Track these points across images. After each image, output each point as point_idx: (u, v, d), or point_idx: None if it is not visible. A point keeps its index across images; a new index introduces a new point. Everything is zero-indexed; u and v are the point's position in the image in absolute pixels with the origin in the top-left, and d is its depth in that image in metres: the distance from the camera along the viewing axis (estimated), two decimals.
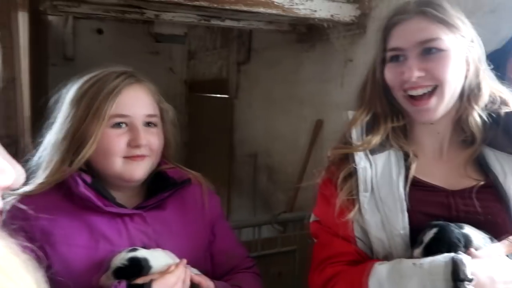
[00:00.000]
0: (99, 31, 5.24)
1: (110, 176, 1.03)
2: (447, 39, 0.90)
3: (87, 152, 0.99)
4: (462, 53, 0.92)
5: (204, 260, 1.13)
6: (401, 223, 0.88)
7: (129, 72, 1.06)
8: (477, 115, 0.93)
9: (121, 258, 0.93)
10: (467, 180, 0.93)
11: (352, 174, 0.96)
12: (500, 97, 0.95)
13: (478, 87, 0.94)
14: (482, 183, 0.91)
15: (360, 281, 0.83)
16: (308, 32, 2.79)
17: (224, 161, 4.34)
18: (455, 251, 0.79)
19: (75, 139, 1.00)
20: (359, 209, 0.92)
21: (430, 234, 0.83)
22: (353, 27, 2.38)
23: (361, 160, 0.94)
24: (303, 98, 2.99)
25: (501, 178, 0.90)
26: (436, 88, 0.91)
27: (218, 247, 1.17)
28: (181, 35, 3.37)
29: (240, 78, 4.10)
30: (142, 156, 1.03)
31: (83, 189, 0.96)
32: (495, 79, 0.98)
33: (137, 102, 1.04)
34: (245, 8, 2.12)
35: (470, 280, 0.74)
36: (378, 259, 0.90)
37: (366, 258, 0.92)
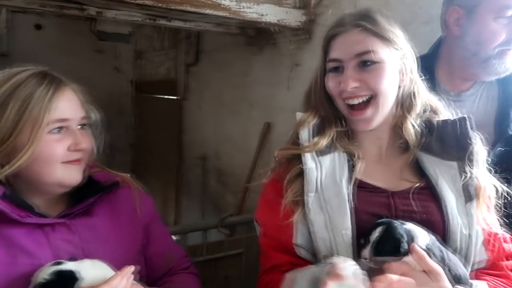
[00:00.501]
0: (38, 27, 4.94)
1: (46, 183, 0.97)
2: (381, 52, 0.95)
3: (21, 162, 0.91)
4: (396, 65, 0.97)
5: (139, 264, 1.06)
6: (344, 223, 0.91)
7: (49, 73, 0.99)
8: (410, 124, 0.99)
9: (44, 272, 0.86)
10: (405, 182, 0.98)
11: (299, 174, 0.98)
12: (431, 106, 1.03)
13: (412, 97, 1.00)
14: (418, 185, 0.97)
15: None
16: (256, 36, 2.81)
17: (172, 163, 4.26)
18: (400, 246, 0.83)
19: (2, 147, 0.92)
20: (304, 210, 0.94)
21: (376, 233, 0.87)
22: (299, 33, 2.43)
23: (308, 161, 0.97)
24: (252, 101, 3.01)
25: (434, 180, 0.96)
26: (371, 98, 0.96)
27: (153, 250, 1.14)
28: (126, 34, 3.26)
29: (189, 79, 4.05)
30: (79, 160, 0.99)
31: None
32: (426, 89, 1.04)
33: (72, 105, 0.99)
34: (191, 9, 2.09)
35: None
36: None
37: (301, 264, 0.94)
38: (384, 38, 0.95)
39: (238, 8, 2.19)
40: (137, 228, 1.11)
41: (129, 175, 1.16)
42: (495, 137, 1.26)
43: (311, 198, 0.94)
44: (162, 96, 4.82)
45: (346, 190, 0.94)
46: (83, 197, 1.03)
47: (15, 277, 0.89)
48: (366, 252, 0.87)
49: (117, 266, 0.97)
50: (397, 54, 0.97)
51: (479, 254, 0.93)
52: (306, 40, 2.43)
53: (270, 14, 2.29)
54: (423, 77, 1.04)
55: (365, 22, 0.95)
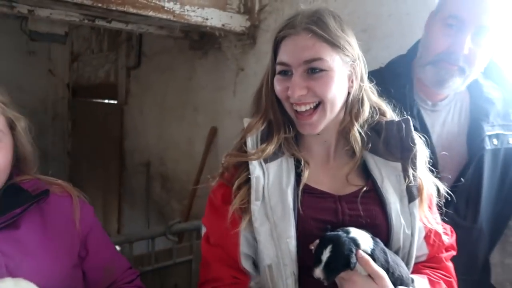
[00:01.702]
0: None
1: None
2: (330, 59, 0.94)
3: None
4: (344, 71, 0.96)
5: (74, 279, 1.02)
6: (289, 231, 0.91)
7: None
8: (356, 131, 1.00)
9: None
10: (352, 186, 1.00)
11: (247, 181, 0.96)
12: (379, 109, 1.04)
13: (360, 103, 1.01)
14: (365, 188, 0.98)
15: None
16: (200, 40, 2.79)
17: (114, 171, 4.09)
18: (350, 262, 0.85)
19: None
20: (250, 218, 0.93)
21: (326, 252, 0.87)
22: (244, 38, 2.45)
23: (255, 169, 0.95)
24: (197, 105, 2.98)
25: (379, 182, 0.99)
26: (318, 105, 0.96)
27: (93, 262, 1.06)
28: (61, 34, 3.07)
29: (130, 83, 3.91)
30: None
31: None
32: (375, 93, 1.06)
33: None
34: (133, 11, 2.03)
35: None
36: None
37: (242, 279, 0.94)
38: (334, 45, 0.93)
39: (182, 12, 2.16)
40: (73, 239, 1.03)
41: (68, 183, 1.09)
42: (467, 149, 1.29)
43: (257, 206, 0.93)
44: (101, 101, 4.62)
45: (291, 198, 0.94)
46: (8, 208, 0.94)
47: None
48: (319, 271, 0.87)
49: (48, 282, 0.91)
50: (347, 60, 0.96)
51: (420, 249, 0.98)
52: (251, 45, 2.46)
53: (214, 19, 2.28)
54: (374, 82, 1.06)
55: (316, 27, 0.93)
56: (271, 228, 0.92)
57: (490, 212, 1.33)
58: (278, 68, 0.98)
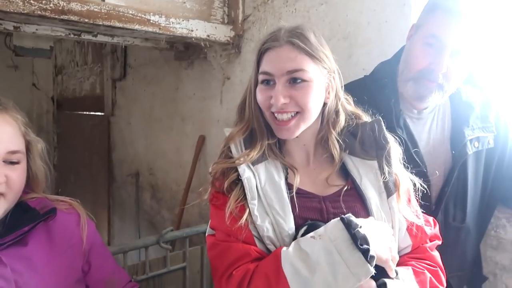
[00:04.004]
0: None
1: None
2: (311, 71, 1.00)
3: None
4: (323, 83, 1.03)
5: None
6: (289, 223, 0.97)
7: None
8: (334, 139, 1.08)
9: None
10: (333, 187, 1.06)
11: (236, 182, 1.01)
12: (355, 114, 1.12)
13: (336, 113, 1.09)
14: (345, 188, 1.05)
15: (274, 270, 0.89)
16: (186, 50, 2.83)
17: (102, 183, 4.07)
18: None
19: None
20: (250, 216, 0.97)
21: (302, 230, 0.95)
22: (229, 47, 2.50)
23: (244, 171, 1.00)
24: (184, 115, 3.01)
25: (358, 180, 1.06)
26: (297, 113, 1.02)
27: (95, 277, 1.10)
28: (46, 49, 3.07)
29: (116, 95, 3.92)
30: None
31: None
32: (351, 103, 1.14)
33: None
34: (119, 25, 2.06)
35: (361, 227, 0.87)
36: (278, 249, 0.95)
37: (265, 255, 0.97)
38: (314, 57, 1.00)
39: (167, 24, 2.20)
40: (77, 255, 1.06)
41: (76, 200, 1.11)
42: (452, 154, 1.34)
43: (255, 205, 0.98)
44: (87, 113, 4.61)
45: (286, 193, 1.00)
46: (17, 226, 0.97)
47: None
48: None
49: None
50: (324, 73, 1.03)
51: (404, 241, 1.05)
52: (236, 54, 2.52)
53: (199, 30, 2.33)
54: (349, 95, 1.13)
55: (298, 40, 0.99)
56: (272, 223, 0.97)
57: (476, 211, 1.40)
58: (261, 77, 1.03)
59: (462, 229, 1.37)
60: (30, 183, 1.03)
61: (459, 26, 1.20)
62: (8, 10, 1.73)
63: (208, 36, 2.37)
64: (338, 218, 0.91)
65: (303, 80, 0.99)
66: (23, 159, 0.98)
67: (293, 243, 0.92)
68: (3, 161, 0.93)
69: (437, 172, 1.32)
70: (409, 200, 1.09)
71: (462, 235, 1.38)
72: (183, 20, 2.25)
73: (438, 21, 1.23)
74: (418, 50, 1.27)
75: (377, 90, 1.35)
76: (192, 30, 2.30)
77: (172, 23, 2.21)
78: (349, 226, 0.88)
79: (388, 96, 1.33)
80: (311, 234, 0.91)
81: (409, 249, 1.07)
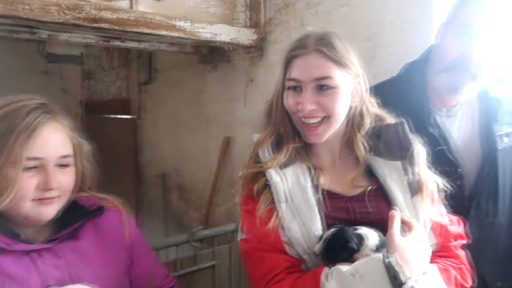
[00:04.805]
0: None
1: (16, 216, 0.98)
2: (337, 77, 1.03)
3: (5, 203, 0.92)
4: (349, 88, 1.06)
5: (123, 285, 1.11)
6: (315, 225, 1.00)
7: (43, 107, 1.00)
8: (360, 141, 1.11)
9: None
10: (359, 188, 1.09)
11: (265, 186, 1.05)
12: (379, 116, 1.14)
13: (361, 115, 1.11)
14: (370, 187, 1.08)
15: None
16: (210, 54, 2.90)
17: (130, 184, 4.19)
18: (348, 245, 0.94)
19: None
20: (279, 218, 1.01)
21: (329, 232, 0.98)
22: (252, 50, 2.55)
23: (272, 176, 1.05)
24: (209, 117, 3.08)
25: (382, 180, 1.09)
26: (325, 118, 1.06)
27: (138, 270, 1.15)
28: (77, 55, 3.21)
29: (142, 98, 4.03)
30: (51, 199, 0.99)
31: None
32: (375, 105, 1.16)
33: (50, 143, 0.98)
34: (147, 31, 2.14)
35: (406, 282, 0.87)
36: (318, 270, 0.97)
37: (295, 262, 1.01)
38: (340, 64, 1.04)
39: (193, 29, 2.27)
40: (122, 250, 1.13)
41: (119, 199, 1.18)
42: (482, 150, 1.35)
43: (283, 208, 1.02)
44: (114, 116, 4.74)
45: (312, 195, 1.03)
46: (69, 221, 1.04)
47: None
48: (317, 247, 0.98)
49: (103, 287, 1.00)
50: (350, 78, 1.06)
51: (429, 239, 1.06)
52: (259, 57, 2.56)
53: (223, 34, 2.38)
54: (376, 98, 1.15)
55: (325, 48, 1.03)
56: (300, 225, 1.01)
57: (508, 206, 1.39)
58: (289, 83, 1.07)
59: (495, 224, 1.37)
60: (78, 182, 1.09)
61: (492, 14, 1.20)
62: (44, 20, 1.83)
63: (232, 39, 2.43)
64: (380, 258, 0.90)
65: (330, 87, 1.03)
66: (73, 161, 1.05)
67: (334, 271, 0.93)
68: (55, 165, 1.00)
69: (469, 168, 1.33)
70: (433, 200, 1.10)
71: (495, 230, 1.38)
72: (207, 25, 2.32)
73: (471, 11, 1.24)
74: (450, 41, 1.27)
75: (407, 90, 1.37)
76: (216, 34, 2.36)
77: (197, 28, 2.28)
78: (393, 280, 0.87)
79: (418, 95, 1.35)
80: (351, 269, 0.91)
81: (434, 248, 1.08)
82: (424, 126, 1.29)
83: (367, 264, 0.91)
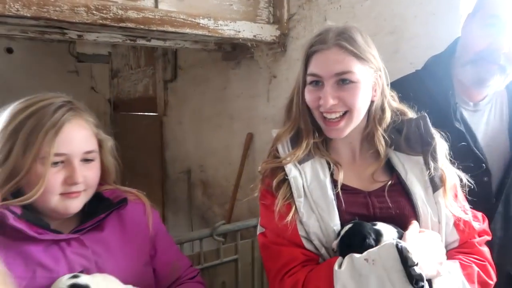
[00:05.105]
0: (9, 50, 4.91)
1: (43, 209, 1.03)
2: (358, 72, 1.02)
3: (35, 197, 0.98)
4: (370, 82, 1.05)
5: (146, 275, 1.15)
6: (334, 220, 1.01)
7: (68, 104, 1.05)
8: (380, 135, 1.10)
9: (62, 283, 0.93)
10: (378, 182, 1.09)
11: (284, 180, 1.06)
12: (400, 111, 1.14)
13: (382, 110, 1.11)
14: (390, 182, 1.08)
15: (326, 286, 0.92)
16: (233, 51, 2.92)
17: (156, 179, 4.28)
18: (365, 241, 0.94)
19: (11, 174, 0.98)
20: (297, 213, 1.02)
21: (346, 228, 0.98)
22: (274, 46, 2.56)
23: (291, 171, 1.06)
24: (232, 114, 3.11)
25: (403, 175, 1.08)
26: (346, 113, 1.06)
27: (161, 260, 1.19)
28: (105, 55, 3.31)
29: (167, 95, 4.11)
30: (78, 192, 1.04)
31: (13, 222, 0.95)
32: (396, 100, 1.15)
33: (75, 140, 1.03)
34: (172, 29, 2.18)
35: (417, 264, 0.87)
36: (332, 259, 0.98)
37: (312, 256, 1.02)
38: (361, 59, 1.03)
39: (216, 26, 2.30)
40: (145, 240, 1.17)
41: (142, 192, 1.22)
42: (509, 143, 1.33)
43: (301, 203, 1.03)
44: (141, 114, 4.85)
45: (331, 190, 1.04)
46: (94, 213, 1.09)
47: None
48: (335, 243, 0.98)
49: (126, 277, 1.05)
50: (371, 72, 1.06)
51: (451, 235, 1.06)
52: (282, 53, 2.56)
53: (246, 31, 2.40)
54: (395, 93, 1.14)
55: (346, 42, 1.02)
56: (318, 219, 1.01)
57: None
58: (309, 78, 1.07)
59: None
60: (103, 176, 1.14)
61: None
62: (74, 20, 1.90)
63: (255, 36, 2.44)
64: (393, 243, 0.91)
65: (351, 81, 1.03)
66: (97, 156, 1.10)
67: (346, 259, 0.94)
68: (81, 161, 1.05)
69: (496, 164, 1.30)
70: (456, 195, 1.09)
71: None
72: (230, 22, 2.34)
73: (498, 1, 1.21)
74: (476, 32, 1.25)
75: (432, 84, 1.35)
76: (239, 31, 2.38)
77: (220, 25, 2.31)
78: (405, 263, 0.88)
79: (444, 89, 1.32)
80: (365, 255, 0.92)
81: (456, 244, 1.07)
82: (449, 120, 1.27)
83: (379, 249, 0.92)
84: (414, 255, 0.88)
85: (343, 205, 1.03)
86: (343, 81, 1.03)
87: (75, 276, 0.95)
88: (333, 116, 1.05)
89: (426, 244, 0.95)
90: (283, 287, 1.00)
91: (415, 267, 0.87)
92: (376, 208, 1.05)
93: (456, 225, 1.06)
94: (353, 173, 1.11)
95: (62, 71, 5.09)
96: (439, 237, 1.02)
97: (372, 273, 0.89)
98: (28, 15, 1.76)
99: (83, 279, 0.95)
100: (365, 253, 0.92)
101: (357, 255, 0.93)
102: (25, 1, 1.74)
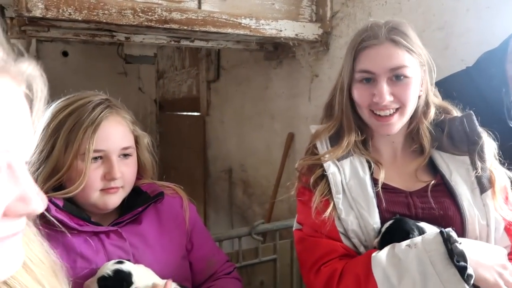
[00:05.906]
0: (65, 54, 5.21)
1: (83, 203, 1.07)
2: (411, 66, 1.00)
3: (76, 192, 1.02)
4: (419, 76, 1.05)
5: (183, 268, 1.17)
6: (374, 218, 0.98)
7: (105, 102, 1.08)
8: (426, 128, 1.07)
9: (108, 268, 0.97)
10: (421, 182, 1.05)
11: (322, 177, 1.05)
12: (443, 108, 1.10)
13: (427, 104, 1.07)
14: (433, 182, 1.03)
15: (365, 272, 0.90)
16: (275, 50, 2.92)
17: (198, 178, 4.37)
18: (409, 236, 0.90)
19: (54, 171, 1.03)
20: (335, 209, 1.01)
21: (386, 225, 0.95)
22: (317, 45, 2.52)
23: (329, 167, 1.04)
24: (273, 113, 3.10)
25: (447, 175, 1.03)
26: (398, 109, 1.03)
27: (197, 255, 1.21)
28: (151, 56, 3.42)
29: (210, 95, 4.18)
30: (117, 188, 1.07)
31: (55, 213, 0.98)
32: (439, 96, 1.12)
33: (113, 136, 1.05)
34: (214, 30, 2.21)
35: (460, 242, 0.84)
36: (371, 250, 0.96)
37: (351, 252, 1.00)
38: (413, 52, 1.01)
39: (257, 26, 2.30)
40: (182, 234, 1.19)
41: (179, 186, 1.24)
42: None
43: (340, 199, 1.01)
44: (185, 113, 4.97)
45: (371, 188, 1.01)
46: (132, 206, 1.12)
47: (74, 280, 0.99)
48: (376, 241, 0.95)
49: (162, 269, 1.07)
50: (420, 67, 1.03)
51: (502, 241, 0.99)
52: (324, 52, 2.52)
53: (287, 30, 2.39)
54: (437, 88, 1.10)
55: (398, 36, 1.00)
56: (357, 217, 0.99)
57: None
58: (359, 75, 1.04)
59: None
60: (140, 171, 1.18)
61: None
62: (121, 23, 1.98)
63: (297, 35, 2.42)
64: (438, 231, 0.88)
65: (405, 77, 1.00)
66: (134, 152, 1.13)
67: (387, 247, 0.92)
68: (118, 156, 1.08)
69: None
70: (507, 198, 1.02)
71: None
72: (272, 21, 2.33)
73: None
74: None
75: (484, 82, 1.28)
76: (281, 30, 2.37)
77: (262, 24, 2.31)
78: (447, 241, 0.85)
79: (497, 87, 1.26)
80: (408, 242, 0.90)
81: (508, 250, 0.99)
82: (503, 119, 1.20)
83: (425, 235, 0.90)
84: (458, 238, 0.86)
85: (384, 203, 1.00)
86: (397, 77, 1.00)
87: (119, 262, 0.99)
88: (387, 112, 1.02)
89: (483, 248, 0.91)
90: (319, 277, 0.98)
91: (457, 244, 0.84)
92: (418, 208, 1.01)
93: (507, 229, 0.99)
94: (394, 173, 1.07)
95: (112, 73, 5.33)
96: (504, 252, 0.94)
97: (413, 255, 0.87)
98: (80, 18, 1.85)
99: (127, 266, 0.99)
100: (407, 240, 0.90)
101: (399, 243, 0.91)
102: (77, 6, 1.84)
